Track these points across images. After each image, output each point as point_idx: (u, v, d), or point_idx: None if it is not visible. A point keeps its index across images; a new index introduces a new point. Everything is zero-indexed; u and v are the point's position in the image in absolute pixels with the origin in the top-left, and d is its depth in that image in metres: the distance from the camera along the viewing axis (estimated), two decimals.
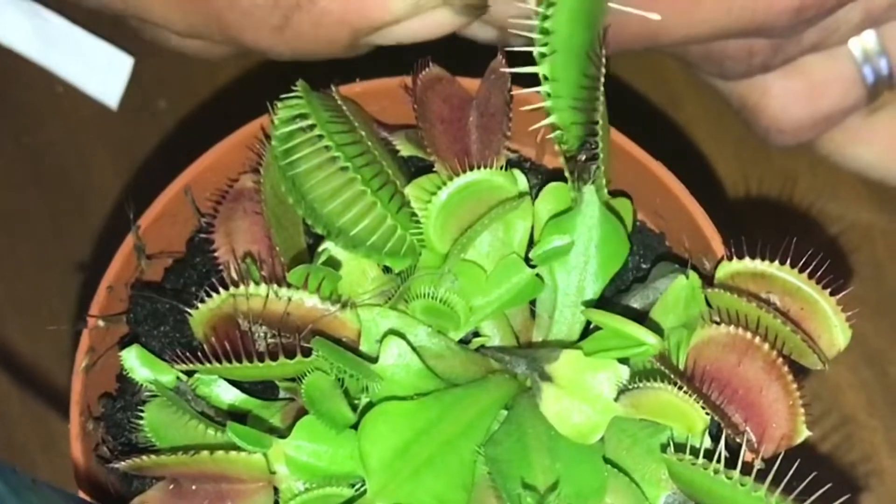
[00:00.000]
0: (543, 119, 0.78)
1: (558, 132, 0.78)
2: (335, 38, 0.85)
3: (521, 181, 0.80)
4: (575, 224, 0.79)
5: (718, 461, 0.70)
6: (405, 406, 0.75)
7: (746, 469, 0.69)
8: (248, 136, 0.84)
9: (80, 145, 1.17)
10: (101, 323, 0.82)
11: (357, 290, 0.79)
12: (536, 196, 0.81)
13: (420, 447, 0.75)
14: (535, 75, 0.77)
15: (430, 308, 0.78)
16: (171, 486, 0.77)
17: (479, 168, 0.78)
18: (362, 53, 0.88)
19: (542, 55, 0.76)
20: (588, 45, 0.76)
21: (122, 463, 0.77)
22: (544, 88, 0.77)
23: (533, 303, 0.82)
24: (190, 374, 0.78)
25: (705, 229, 0.81)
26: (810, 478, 0.69)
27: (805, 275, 0.75)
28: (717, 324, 0.75)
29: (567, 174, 0.79)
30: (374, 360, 0.77)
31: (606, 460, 0.76)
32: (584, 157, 0.77)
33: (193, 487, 0.76)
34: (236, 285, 0.76)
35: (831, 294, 0.75)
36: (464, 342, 0.81)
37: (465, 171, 0.78)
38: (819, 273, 0.75)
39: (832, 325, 0.75)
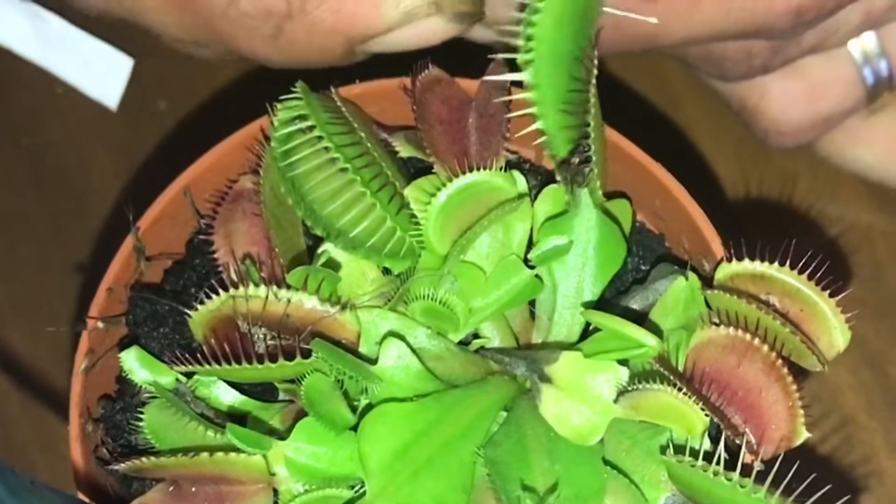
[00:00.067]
0: (536, 122, 0.78)
1: (544, 138, 0.77)
2: (329, 46, 0.85)
3: (521, 182, 0.80)
4: (572, 225, 0.79)
5: (718, 463, 0.69)
6: (405, 408, 0.75)
7: (746, 471, 0.69)
8: (248, 137, 0.84)
9: (80, 146, 1.17)
10: (100, 324, 0.82)
11: (356, 291, 0.79)
12: (536, 197, 0.81)
13: (419, 449, 0.74)
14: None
15: (429, 309, 0.78)
16: (171, 488, 0.77)
17: (478, 169, 0.78)
18: (359, 60, 0.88)
19: (527, 62, 0.76)
20: (578, 49, 0.76)
21: (122, 464, 0.77)
22: (529, 95, 0.76)
23: (532, 304, 0.82)
24: (189, 375, 0.78)
25: (705, 230, 0.81)
26: (810, 479, 0.68)
27: (805, 276, 0.75)
28: (717, 325, 0.75)
29: (558, 178, 0.79)
30: (374, 361, 0.77)
31: (606, 462, 0.76)
32: (577, 160, 0.77)
33: (193, 489, 0.76)
34: (236, 287, 0.76)
35: (831, 295, 0.75)
36: (463, 343, 0.81)
37: (464, 173, 0.78)
38: (819, 274, 0.75)
39: (832, 327, 0.75)
